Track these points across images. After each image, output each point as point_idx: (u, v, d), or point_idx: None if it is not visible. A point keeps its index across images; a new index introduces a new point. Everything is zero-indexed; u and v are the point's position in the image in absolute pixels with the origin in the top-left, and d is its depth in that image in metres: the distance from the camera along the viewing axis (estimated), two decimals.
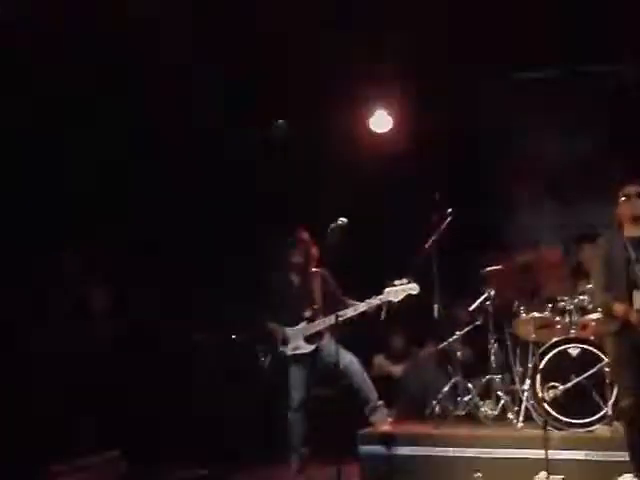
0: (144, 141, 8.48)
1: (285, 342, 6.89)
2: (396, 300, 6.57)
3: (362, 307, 6.65)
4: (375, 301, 6.63)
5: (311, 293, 6.97)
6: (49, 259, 8.07)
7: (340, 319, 6.36)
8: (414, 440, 6.78)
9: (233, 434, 8.04)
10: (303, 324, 6.87)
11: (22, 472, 6.56)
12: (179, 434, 7.97)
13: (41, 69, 7.44)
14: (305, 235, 6.97)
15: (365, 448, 6.87)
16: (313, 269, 7.02)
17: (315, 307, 6.90)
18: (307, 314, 6.88)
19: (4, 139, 7.44)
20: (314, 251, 6.95)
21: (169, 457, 7.72)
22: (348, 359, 6.71)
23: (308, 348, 6.85)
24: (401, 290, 6.58)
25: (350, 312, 6.61)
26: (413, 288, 6.59)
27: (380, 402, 6.89)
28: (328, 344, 6.76)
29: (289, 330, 6.89)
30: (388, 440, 6.79)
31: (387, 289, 6.61)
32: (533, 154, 8.89)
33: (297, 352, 6.87)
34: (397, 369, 8.54)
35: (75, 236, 8.17)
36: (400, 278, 6.62)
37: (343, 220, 6.28)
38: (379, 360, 8.77)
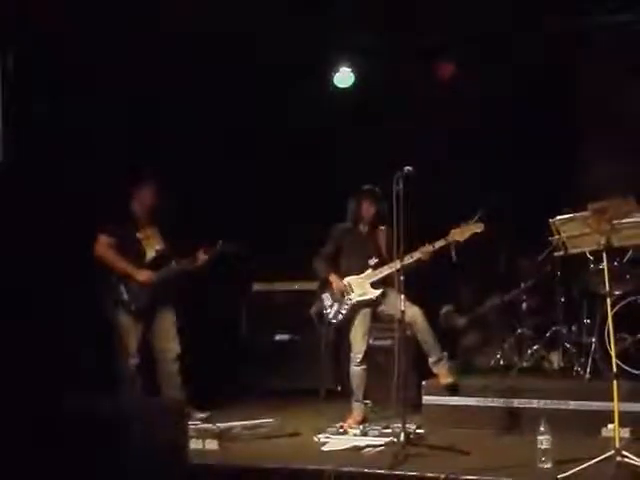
0: None
1: (350, 290, 6.86)
2: (462, 239, 6.50)
3: (428, 249, 6.59)
4: (440, 242, 6.57)
5: (378, 245, 6.97)
6: None
7: (407, 262, 6.27)
8: (478, 391, 6.75)
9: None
10: (369, 271, 6.85)
11: None
12: None
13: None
14: (377, 190, 6.93)
15: (429, 398, 6.87)
16: (380, 227, 7.00)
17: (381, 256, 6.88)
18: (372, 262, 6.85)
19: None
20: (383, 208, 6.88)
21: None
22: (413, 311, 6.65)
23: (374, 293, 6.83)
24: (466, 229, 6.50)
25: (416, 254, 6.54)
26: (478, 227, 6.50)
27: (444, 353, 6.84)
28: (394, 295, 6.68)
29: (354, 279, 6.87)
30: (452, 391, 6.77)
31: (452, 230, 6.54)
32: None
33: (363, 298, 6.86)
34: (462, 320, 8.49)
35: None
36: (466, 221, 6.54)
37: (409, 169, 6.18)
38: (446, 311, 8.72)
